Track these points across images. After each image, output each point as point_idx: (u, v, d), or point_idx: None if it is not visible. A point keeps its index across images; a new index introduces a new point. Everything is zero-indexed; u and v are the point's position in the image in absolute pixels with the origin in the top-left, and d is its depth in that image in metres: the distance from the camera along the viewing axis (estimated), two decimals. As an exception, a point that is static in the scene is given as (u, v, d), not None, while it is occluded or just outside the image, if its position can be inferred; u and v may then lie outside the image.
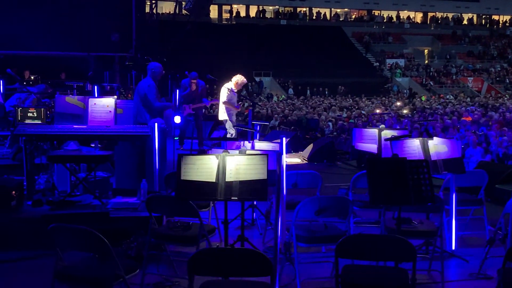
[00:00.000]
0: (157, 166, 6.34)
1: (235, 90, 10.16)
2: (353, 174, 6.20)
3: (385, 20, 47.30)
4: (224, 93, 10.05)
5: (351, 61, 39.22)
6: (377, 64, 41.32)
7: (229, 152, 4.49)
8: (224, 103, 10.09)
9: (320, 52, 38.57)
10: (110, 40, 14.64)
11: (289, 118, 17.66)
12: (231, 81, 10.14)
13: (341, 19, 46.83)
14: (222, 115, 10.17)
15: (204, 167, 4.28)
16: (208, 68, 29.94)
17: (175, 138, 10.38)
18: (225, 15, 43.45)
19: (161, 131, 6.49)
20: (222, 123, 11.36)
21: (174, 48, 24.87)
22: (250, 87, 33.71)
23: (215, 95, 25.39)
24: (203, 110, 11.15)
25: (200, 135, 10.69)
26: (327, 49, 39.00)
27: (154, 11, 17.08)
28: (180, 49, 31.37)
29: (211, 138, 11.52)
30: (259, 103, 22.33)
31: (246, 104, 22.03)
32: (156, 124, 6.40)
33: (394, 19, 47.55)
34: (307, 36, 40.18)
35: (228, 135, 10.10)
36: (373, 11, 47.71)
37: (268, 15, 44.72)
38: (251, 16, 44.10)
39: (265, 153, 4.53)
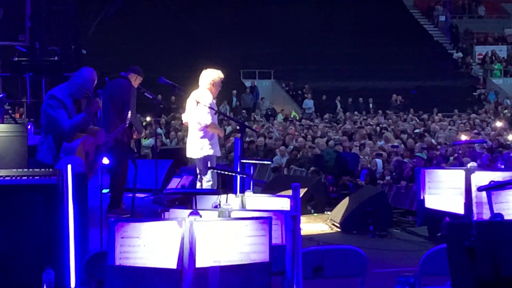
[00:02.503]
0: (72, 243, 6.32)
1: (215, 98, 10.20)
2: (423, 251, 6.18)
3: (471, -22, 47.93)
4: (202, 109, 10.03)
5: (413, 49, 39.61)
6: (459, 54, 41.73)
7: (200, 216, 4.48)
8: (208, 127, 10.08)
9: (360, 35, 38.96)
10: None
11: (304, 152, 17.71)
12: (200, 84, 10.18)
13: (393, -23, 47.42)
14: (200, 148, 10.14)
15: (157, 242, 4.27)
16: (161, 66, 30.16)
17: (104, 191, 10.34)
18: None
19: (79, 178, 6.49)
20: (185, 162, 11.35)
21: (100, 32, 25.11)
22: (235, 98, 33.88)
23: (175, 112, 25.48)
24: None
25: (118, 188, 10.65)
26: (372, 31, 39.41)
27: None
28: (111, 32, 31.67)
29: (168, 189, 11.50)
30: (253, 127, 22.42)
31: (229, 128, 22.11)
32: (69, 166, 6.40)
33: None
34: (335, 8, 40.64)
35: (204, 184, 10.08)
36: (449, -37, 48.41)
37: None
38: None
39: (266, 215, 4.52)
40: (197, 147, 10.11)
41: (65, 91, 7.98)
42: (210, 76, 10.12)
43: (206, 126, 10.01)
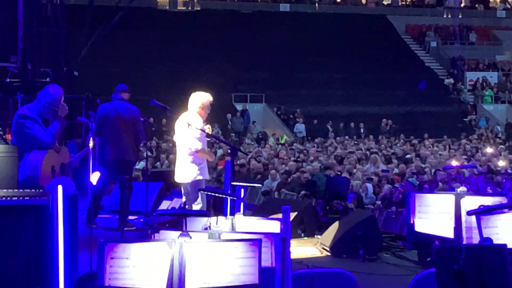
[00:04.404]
0: (62, 264, 6.30)
1: (204, 123, 10.17)
2: (413, 275, 6.19)
3: (462, 4, 48.16)
4: (192, 134, 9.99)
5: (404, 75, 39.74)
6: (450, 80, 41.88)
7: (190, 237, 4.48)
8: (198, 152, 10.01)
9: (351, 60, 39.10)
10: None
11: (295, 175, 17.71)
12: (189, 107, 10.15)
13: (386, 3, 47.62)
14: (189, 173, 10.08)
15: (147, 263, 4.27)
16: (152, 88, 30.16)
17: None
18: (183, -4, 44.00)
19: (69, 199, 6.48)
20: (176, 185, 11.34)
21: (91, 54, 25.13)
22: (229, 122, 33.90)
23: (166, 134, 25.47)
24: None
25: (123, 205, 10.71)
26: (363, 56, 39.56)
27: (58, -11, 17.32)
28: (103, 54, 31.69)
29: (158, 211, 11.50)
30: (244, 150, 22.43)
31: (220, 152, 22.10)
32: (60, 187, 6.39)
33: (478, 1, 48.42)
34: (327, 32, 40.79)
35: (194, 207, 10.05)
36: (441, -11, 48.64)
37: (257, -5, 45.37)
38: (228, -3, 44.70)
39: (256, 237, 4.52)
40: (187, 172, 10.05)
41: (34, 110, 7.91)
42: (200, 100, 10.04)
43: (197, 151, 9.96)
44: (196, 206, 10.01)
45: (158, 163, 21.04)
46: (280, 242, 4.81)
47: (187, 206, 10.22)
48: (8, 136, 14.57)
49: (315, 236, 11.98)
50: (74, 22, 18.97)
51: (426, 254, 10.16)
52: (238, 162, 18.50)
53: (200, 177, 10.02)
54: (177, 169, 10.24)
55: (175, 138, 10.43)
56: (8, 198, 6.41)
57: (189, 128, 9.86)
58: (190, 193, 10.11)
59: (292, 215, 11.31)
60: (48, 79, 14.90)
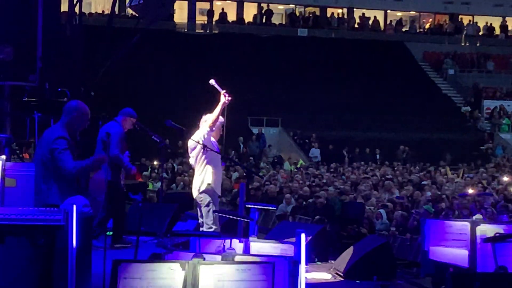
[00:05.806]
0: (74, 284, 6.30)
1: (216, 142, 10.32)
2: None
3: (480, 32, 48.20)
4: (200, 132, 10.18)
5: (422, 101, 39.73)
6: (467, 108, 41.83)
7: (204, 259, 4.48)
8: (210, 120, 10.27)
9: (368, 85, 39.13)
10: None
11: (311, 200, 17.70)
12: (200, 127, 10.30)
13: (404, 29, 47.71)
14: (201, 181, 10.14)
15: (160, 283, 4.26)
16: (168, 109, 30.24)
17: (108, 234, 10.38)
18: (201, 18, 44.33)
19: (84, 220, 6.48)
20: (190, 207, 11.37)
21: (109, 74, 25.23)
22: (242, 146, 33.94)
23: (182, 156, 25.51)
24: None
25: (118, 224, 10.81)
26: (381, 82, 39.59)
27: (77, 9, 17.45)
28: (121, 75, 31.86)
29: (172, 232, 11.51)
30: (259, 174, 22.44)
31: (235, 175, 22.12)
32: (74, 206, 6.41)
33: (497, 30, 48.46)
34: (344, 58, 40.88)
35: (205, 227, 10.08)
36: (459, 16, 48.69)
37: (276, 20, 45.63)
38: (247, 21, 44.99)
39: (269, 260, 4.52)
40: (199, 181, 10.17)
41: (65, 129, 7.80)
42: (210, 119, 10.35)
43: (211, 126, 10.22)
44: (205, 227, 10.04)
45: (174, 185, 21.09)
46: (294, 266, 4.80)
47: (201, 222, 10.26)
48: (25, 155, 14.70)
49: (329, 261, 11.95)
50: (92, 43, 19.01)
51: (440, 281, 10.12)
52: (253, 186, 18.52)
53: (211, 178, 10.11)
54: (192, 184, 10.40)
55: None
56: (24, 216, 6.43)
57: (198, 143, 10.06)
58: (203, 206, 10.21)
59: (307, 240, 11.30)
60: (65, 99, 14.98)
